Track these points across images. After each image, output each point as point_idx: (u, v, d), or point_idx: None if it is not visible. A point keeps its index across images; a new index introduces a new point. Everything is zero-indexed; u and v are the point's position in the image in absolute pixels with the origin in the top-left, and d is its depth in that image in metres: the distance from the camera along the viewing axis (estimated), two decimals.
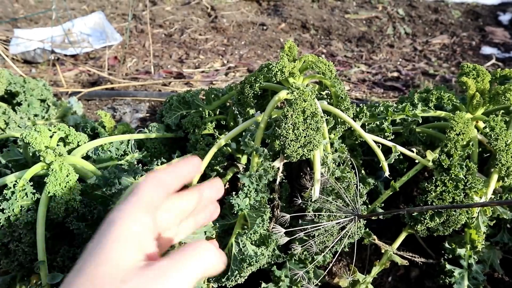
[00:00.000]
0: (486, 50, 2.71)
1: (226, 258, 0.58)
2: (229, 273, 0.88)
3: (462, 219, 1.04)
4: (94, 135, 1.32)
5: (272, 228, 0.92)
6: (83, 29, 2.90)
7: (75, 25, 2.91)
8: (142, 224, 0.54)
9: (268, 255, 0.87)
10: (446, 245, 1.14)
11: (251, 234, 0.82)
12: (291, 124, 0.84)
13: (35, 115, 1.48)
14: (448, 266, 1.11)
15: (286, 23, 3.11)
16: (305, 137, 0.85)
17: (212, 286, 0.99)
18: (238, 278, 0.89)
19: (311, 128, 0.86)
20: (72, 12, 3.19)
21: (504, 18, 3.11)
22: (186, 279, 0.51)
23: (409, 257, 1.14)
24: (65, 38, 2.75)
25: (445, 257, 1.14)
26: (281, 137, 0.86)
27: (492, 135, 1.06)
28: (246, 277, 0.93)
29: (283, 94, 0.95)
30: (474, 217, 1.08)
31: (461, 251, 1.12)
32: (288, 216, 0.87)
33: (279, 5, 3.38)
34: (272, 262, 1.05)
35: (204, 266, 0.53)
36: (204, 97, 1.28)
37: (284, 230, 0.83)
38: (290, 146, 0.85)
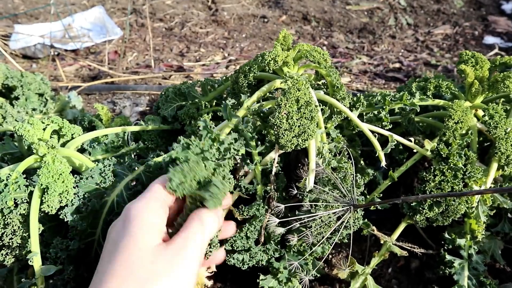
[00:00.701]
0: (489, 39, 2.67)
1: (222, 217, 0.78)
2: None
3: (461, 208, 1.03)
4: (91, 128, 1.32)
5: (268, 219, 0.91)
6: (84, 24, 2.90)
7: (76, 20, 2.91)
8: (160, 216, 0.69)
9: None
10: (446, 235, 1.13)
11: None
12: (284, 113, 0.83)
13: (33, 109, 1.48)
14: (448, 257, 1.10)
15: (287, 15, 3.08)
16: (299, 126, 0.84)
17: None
18: None
19: (305, 117, 0.84)
20: (72, 7, 3.18)
21: (507, 7, 3.07)
22: (200, 244, 0.66)
23: (409, 248, 1.13)
24: (65, 33, 2.74)
25: (445, 247, 1.13)
26: (276, 127, 0.85)
27: (492, 123, 1.04)
28: None
29: (277, 83, 0.94)
30: (474, 207, 1.06)
31: (461, 242, 1.11)
32: (282, 206, 0.86)
33: None
34: (270, 257, 1.05)
35: (210, 230, 0.70)
36: (200, 89, 1.27)
37: (278, 220, 0.82)
38: (284, 135, 0.84)
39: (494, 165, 1.05)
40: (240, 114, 0.90)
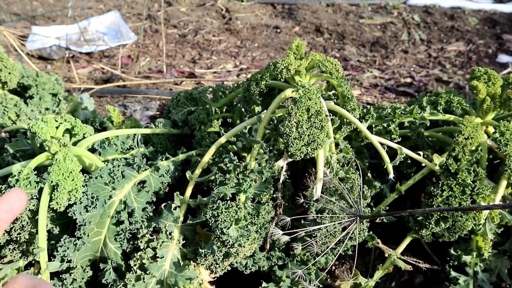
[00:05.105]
0: (503, 58, 2.66)
1: None
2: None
3: (468, 225, 1.02)
4: (102, 129, 1.33)
5: (272, 229, 0.91)
6: (99, 28, 2.94)
7: (91, 23, 2.95)
8: None
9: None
10: (452, 251, 1.12)
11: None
12: (295, 122, 0.84)
13: (46, 109, 1.50)
14: (453, 273, 1.09)
15: (300, 26, 3.10)
16: (308, 135, 0.84)
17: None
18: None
19: (315, 127, 0.85)
20: (88, 11, 3.24)
21: None
22: None
23: (414, 263, 1.12)
24: (81, 36, 2.79)
25: (450, 264, 1.12)
26: (285, 135, 0.85)
27: (502, 140, 1.04)
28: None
29: (288, 92, 0.94)
30: (481, 224, 1.06)
31: (467, 258, 1.09)
32: (288, 219, 0.86)
33: (293, 9, 3.38)
34: (273, 264, 1.05)
35: None
36: (211, 95, 1.29)
37: (282, 232, 0.82)
38: (293, 144, 0.84)
39: (503, 183, 1.04)
40: (258, 137, 0.93)
